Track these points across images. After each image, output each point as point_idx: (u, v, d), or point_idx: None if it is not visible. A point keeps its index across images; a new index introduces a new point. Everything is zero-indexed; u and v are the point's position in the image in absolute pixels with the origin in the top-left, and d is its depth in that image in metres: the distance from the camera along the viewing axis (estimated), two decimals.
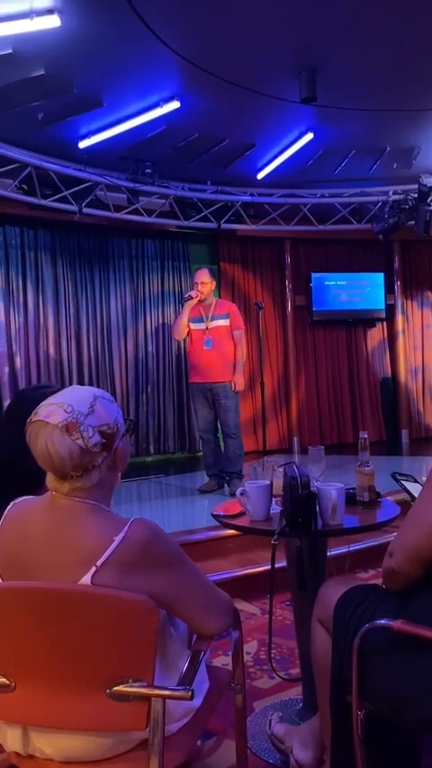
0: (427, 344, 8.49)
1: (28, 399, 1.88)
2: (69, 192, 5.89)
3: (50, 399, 1.38)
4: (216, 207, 6.85)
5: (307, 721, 1.97)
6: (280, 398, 7.96)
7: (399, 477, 2.13)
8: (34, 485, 1.56)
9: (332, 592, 1.63)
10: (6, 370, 6.26)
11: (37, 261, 6.55)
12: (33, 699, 1.30)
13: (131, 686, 1.25)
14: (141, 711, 1.26)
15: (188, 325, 5.06)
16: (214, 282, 5.19)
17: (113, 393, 6.97)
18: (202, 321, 5.03)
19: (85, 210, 6.05)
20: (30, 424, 1.35)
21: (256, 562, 3.62)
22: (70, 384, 6.67)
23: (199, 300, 5.02)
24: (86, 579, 1.25)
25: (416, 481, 2.12)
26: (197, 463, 6.65)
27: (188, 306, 5.02)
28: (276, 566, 2.00)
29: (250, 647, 2.86)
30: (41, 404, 1.38)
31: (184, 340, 5.23)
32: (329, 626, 1.58)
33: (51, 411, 1.33)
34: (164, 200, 6.61)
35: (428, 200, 6.00)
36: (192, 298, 4.99)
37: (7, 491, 1.56)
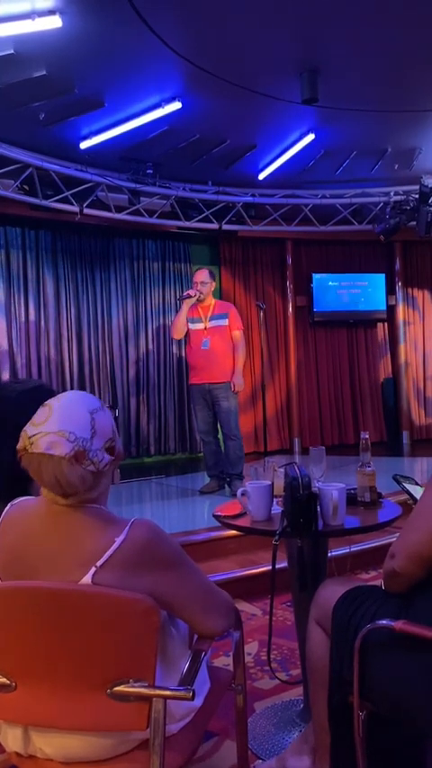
0: (428, 345, 8.49)
1: (9, 401, 1.84)
2: (70, 192, 5.89)
3: (43, 426, 1.26)
4: (217, 207, 6.85)
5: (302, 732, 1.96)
6: (281, 399, 7.95)
7: (400, 480, 2.13)
8: (23, 485, 1.55)
9: (329, 592, 1.63)
10: (7, 367, 6.26)
11: (38, 261, 6.55)
12: (34, 699, 1.30)
13: (132, 686, 1.25)
14: (142, 712, 1.26)
15: (187, 325, 5.05)
16: (214, 284, 5.18)
17: (114, 394, 6.97)
18: (201, 321, 5.01)
19: (87, 211, 6.05)
20: (26, 454, 1.28)
21: (256, 563, 3.62)
22: (71, 385, 6.69)
23: (198, 301, 5.00)
24: (87, 579, 1.25)
25: (417, 483, 2.12)
26: (198, 464, 6.65)
27: (186, 304, 5.00)
28: (277, 566, 2.00)
29: (251, 647, 2.86)
30: (33, 430, 1.26)
31: (183, 340, 5.22)
32: (327, 627, 1.58)
33: (52, 442, 1.24)
34: (165, 201, 6.61)
35: (429, 201, 6.00)
36: (190, 296, 4.96)
37: None
